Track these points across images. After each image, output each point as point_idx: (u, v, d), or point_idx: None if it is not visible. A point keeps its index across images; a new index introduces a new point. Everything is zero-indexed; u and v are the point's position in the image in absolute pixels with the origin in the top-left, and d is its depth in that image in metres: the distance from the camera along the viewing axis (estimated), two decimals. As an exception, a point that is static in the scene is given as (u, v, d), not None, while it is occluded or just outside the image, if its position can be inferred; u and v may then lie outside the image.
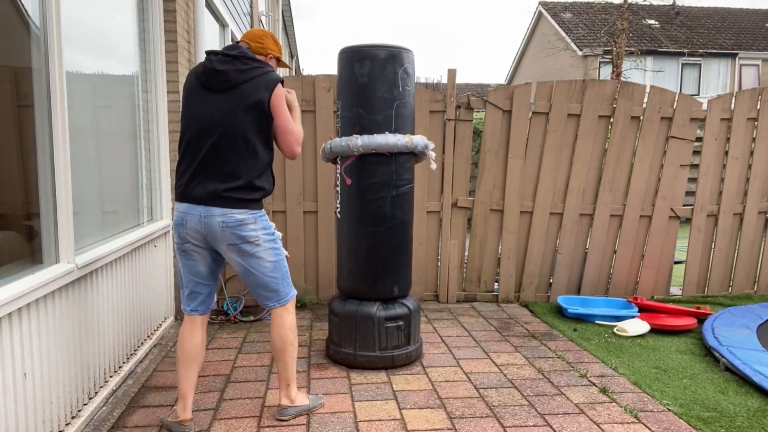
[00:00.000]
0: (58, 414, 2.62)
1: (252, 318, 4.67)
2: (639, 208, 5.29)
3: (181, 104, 3.25)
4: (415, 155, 3.70)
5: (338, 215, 3.75)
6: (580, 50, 22.12)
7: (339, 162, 3.66)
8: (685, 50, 22.12)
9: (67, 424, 2.70)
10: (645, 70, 21.89)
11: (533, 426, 2.93)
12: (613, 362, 3.81)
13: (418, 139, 3.60)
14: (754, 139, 5.43)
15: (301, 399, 3.02)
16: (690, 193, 5.77)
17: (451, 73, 5.00)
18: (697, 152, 6.06)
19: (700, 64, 23.03)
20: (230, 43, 6.70)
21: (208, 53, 2.76)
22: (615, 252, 5.35)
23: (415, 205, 5.03)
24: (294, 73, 23.19)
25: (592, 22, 22.90)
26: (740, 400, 3.25)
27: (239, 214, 2.67)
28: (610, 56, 18.99)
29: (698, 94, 22.55)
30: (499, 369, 3.69)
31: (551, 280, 5.34)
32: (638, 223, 5.32)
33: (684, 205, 5.39)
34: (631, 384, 3.47)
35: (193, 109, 2.73)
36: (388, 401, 3.19)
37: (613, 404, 3.19)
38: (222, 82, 2.68)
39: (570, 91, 5.09)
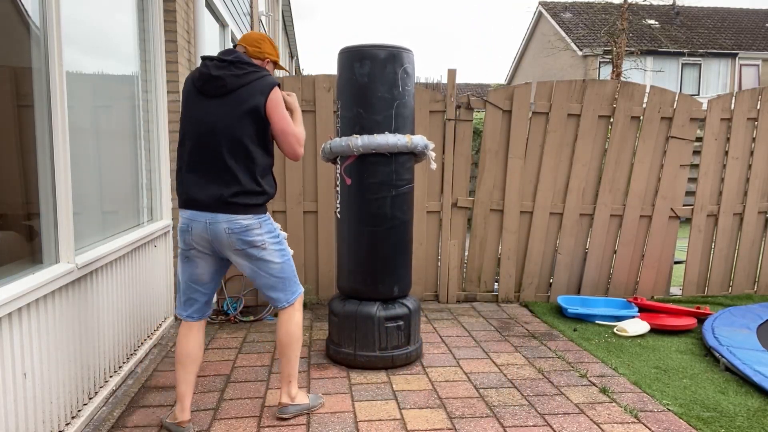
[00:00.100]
0: (58, 414, 2.62)
1: (252, 318, 4.67)
2: (639, 208, 5.29)
3: (180, 108, 3.25)
4: (415, 155, 3.70)
5: (338, 215, 3.75)
6: (580, 50, 22.11)
7: (339, 162, 3.66)
8: (685, 50, 22.12)
9: (67, 424, 2.70)
10: (645, 70, 21.89)
11: (533, 426, 2.93)
12: (613, 362, 3.81)
13: (418, 139, 3.60)
14: (754, 139, 5.43)
15: (302, 398, 3.02)
16: (690, 193, 5.77)
17: (451, 73, 5.00)
18: (697, 152, 6.07)
19: (700, 64, 23.03)
20: (230, 43, 6.70)
21: (203, 58, 2.75)
22: (615, 252, 5.35)
23: (415, 205, 5.03)
24: (294, 73, 23.21)
25: (592, 22, 22.91)
26: (740, 400, 3.25)
27: (244, 220, 2.68)
28: (610, 56, 19.00)
29: (698, 94, 22.55)
30: (499, 369, 3.69)
31: (551, 280, 5.34)
32: (638, 223, 5.32)
33: (684, 205, 5.39)
34: (631, 384, 3.47)
35: (191, 114, 2.73)
36: (388, 401, 3.19)
37: (613, 404, 3.19)
38: (218, 88, 2.68)
39: (570, 91, 5.09)
